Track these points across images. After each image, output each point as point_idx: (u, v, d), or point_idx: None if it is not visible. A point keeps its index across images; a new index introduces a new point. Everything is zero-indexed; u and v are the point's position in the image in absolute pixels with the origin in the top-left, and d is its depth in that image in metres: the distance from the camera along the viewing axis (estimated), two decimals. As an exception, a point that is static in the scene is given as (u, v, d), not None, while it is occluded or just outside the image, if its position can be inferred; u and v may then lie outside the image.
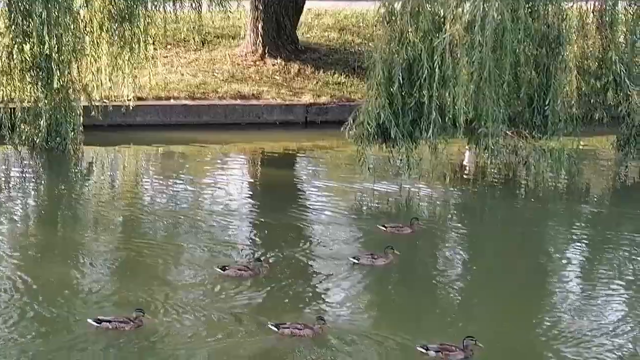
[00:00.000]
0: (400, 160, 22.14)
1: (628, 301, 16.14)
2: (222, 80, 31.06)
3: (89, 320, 13.61)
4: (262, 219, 20.23)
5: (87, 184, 23.36)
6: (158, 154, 27.46)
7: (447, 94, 21.15)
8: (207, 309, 14.51)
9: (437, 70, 20.79)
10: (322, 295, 15.84)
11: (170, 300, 14.80)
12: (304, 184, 24.13)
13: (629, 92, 24.02)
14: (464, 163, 26.21)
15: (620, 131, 24.79)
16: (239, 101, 30.49)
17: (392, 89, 21.31)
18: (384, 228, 19.29)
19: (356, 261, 17.07)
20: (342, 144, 25.34)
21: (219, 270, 15.97)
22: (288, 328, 13.20)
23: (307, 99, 30.78)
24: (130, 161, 26.83)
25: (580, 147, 25.85)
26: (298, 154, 28.26)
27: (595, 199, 23.63)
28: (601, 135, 26.48)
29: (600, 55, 24.52)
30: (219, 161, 27.07)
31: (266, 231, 19.30)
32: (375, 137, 21.85)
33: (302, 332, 13.11)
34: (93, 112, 25.90)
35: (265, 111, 30.37)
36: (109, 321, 13.54)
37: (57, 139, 23.86)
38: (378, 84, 21.39)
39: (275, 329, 13.25)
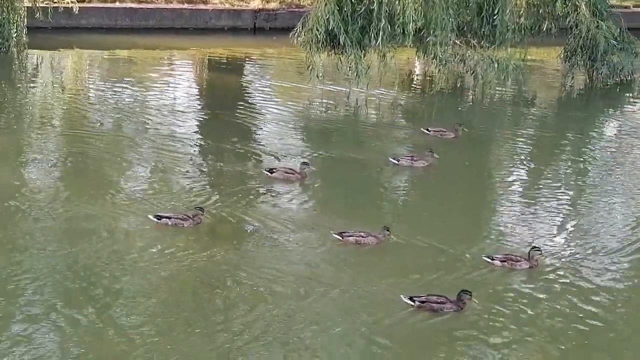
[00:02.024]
0: (349, 67, 22.02)
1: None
2: (168, -17, 30.50)
3: (150, 216, 13.42)
4: (207, 116, 20.23)
5: (31, 86, 22.93)
6: (103, 58, 27.03)
7: (396, 2, 21.03)
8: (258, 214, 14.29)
9: (387, -24, 20.63)
10: (374, 200, 15.66)
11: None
12: (252, 93, 23.92)
13: (577, 3, 24.13)
14: (414, 71, 26.27)
15: (567, 42, 24.98)
16: (186, 5, 30.06)
17: (341, -5, 21.12)
18: (427, 131, 19.21)
19: (396, 162, 17.05)
20: (292, 50, 25.19)
21: (267, 173, 15.85)
22: (352, 236, 13.28)
23: (255, 4, 30.44)
24: (75, 64, 26.36)
25: (528, 57, 26.05)
26: (246, 61, 28.00)
27: (541, 105, 23.86)
28: (549, 46, 26.64)
29: (551, -35, 24.54)
30: (165, 66, 26.76)
31: (208, 127, 19.16)
32: (324, 43, 21.71)
33: (366, 240, 13.06)
34: (37, 14, 25.35)
35: (213, 16, 30.01)
36: (169, 217, 13.53)
37: (0, 40, 23.36)
38: (328, -11, 21.14)
39: (339, 238, 13.20)
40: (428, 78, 25.07)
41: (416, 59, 25.09)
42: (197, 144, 18.13)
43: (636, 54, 25.29)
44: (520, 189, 16.47)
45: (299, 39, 22.00)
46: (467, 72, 23.58)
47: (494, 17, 22.79)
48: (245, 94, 23.38)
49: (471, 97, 23.88)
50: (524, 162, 18.03)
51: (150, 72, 25.35)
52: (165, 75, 25.16)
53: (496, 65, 22.83)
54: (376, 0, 20.96)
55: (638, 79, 25.95)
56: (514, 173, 17.43)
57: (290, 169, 15.92)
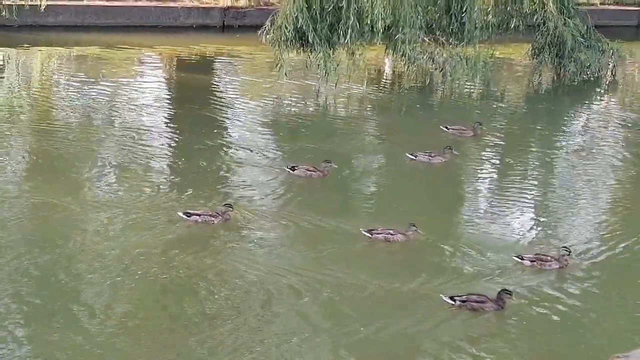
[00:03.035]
0: (318, 65, 22.01)
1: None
2: (138, -19, 30.34)
3: (179, 213, 13.39)
4: (177, 111, 20.18)
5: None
6: (71, 56, 26.83)
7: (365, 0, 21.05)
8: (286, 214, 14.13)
9: (355, -26, 20.65)
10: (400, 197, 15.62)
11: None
12: (222, 90, 23.86)
13: (544, 1, 24.32)
14: (383, 69, 26.32)
15: (535, 39, 25.14)
16: (155, 3, 29.93)
17: (310, -7, 21.10)
18: (446, 129, 19.19)
19: (413, 157, 17.10)
20: (261, 48, 25.13)
21: (289, 170, 15.85)
22: (381, 234, 13.26)
23: (224, 2, 30.35)
24: (42, 62, 26.12)
25: (496, 54, 26.21)
26: (215, 58, 27.93)
27: (510, 101, 23.98)
28: (517, 43, 26.80)
29: (518, -37, 24.69)
30: (134, 64, 26.60)
31: (179, 122, 19.10)
32: (293, 41, 21.65)
33: (395, 238, 13.08)
34: (3, 12, 25.15)
35: (182, 14, 29.90)
36: (199, 215, 13.45)
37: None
38: (296, -13, 21.12)
39: (369, 235, 13.20)
40: (397, 75, 25.14)
41: (385, 56, 25.12)
42: (167, 138, 18.13)
43: (603, 52, 25.51)
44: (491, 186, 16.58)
45: (267, 36, 21.94)
46: (435, 69, 23.63)
47: (462, 15, 22.90)
48: (215, 91, 23.33)
49: (440, 94, 23.95)
50: (493, 157, 18.12)
51: (119, 69, 25.21)
52: (134, 73, 25.05)
53: (465, 63, 22.92)
54: (345, -2, 20.99)
55: (604, 76, 26.18)
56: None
57: (313, 167, 15.91)
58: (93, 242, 12.44)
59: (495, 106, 22.90)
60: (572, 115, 23.12)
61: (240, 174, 16.03)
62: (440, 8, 23.17)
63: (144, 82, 23.73)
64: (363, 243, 12.99)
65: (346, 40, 21.40)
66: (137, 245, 12.42)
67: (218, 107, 21.14)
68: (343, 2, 21.02)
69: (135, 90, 22.54)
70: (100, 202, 14.04)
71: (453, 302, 11.04)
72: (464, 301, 11.07)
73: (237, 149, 17.52)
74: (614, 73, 26.55)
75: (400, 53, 22.52)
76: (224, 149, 17.52)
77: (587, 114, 23.23)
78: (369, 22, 21.18)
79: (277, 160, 16.95)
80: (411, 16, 21.60)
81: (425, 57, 23.07)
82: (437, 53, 23.09)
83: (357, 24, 21.16)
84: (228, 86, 24.44)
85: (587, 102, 24.65)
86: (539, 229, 14.22)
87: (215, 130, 18.87)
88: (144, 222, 13.25)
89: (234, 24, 30.04)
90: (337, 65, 22.10)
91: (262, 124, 19.97)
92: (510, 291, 11.17)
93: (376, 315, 10.85)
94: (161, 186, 15.04)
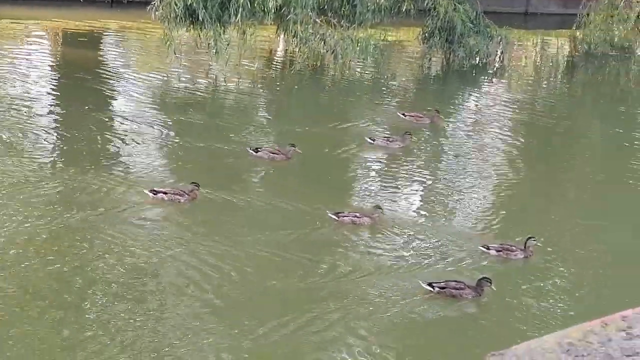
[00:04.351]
0: (208, 44, 21.63)
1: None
2: (22, -49, 29.22)
3: (145, 191, 13.19)
4: (63, 86, 19.51)
5: None
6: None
7: (257, -22, 20.77)
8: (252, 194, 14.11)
9: (247, -48, 20.32)
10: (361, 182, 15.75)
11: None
12: (110, 66, 23.21)
13: (435, -15, 24.48)
14: (276, 50, 26.09)
15: (425, 24, 25.30)
16: (40, -25, 28.90)
17: (201, -30, 20.65)
18: (403, 115, 19.04)
19: (372, 142, 16.98)
20: (151, 25, 24.58)
21: (252, 151, 15.56)
22: (347, 217, 13.09)
23: (114, -24, 29.56)
24: None
25: (388, 38, 26.29)
26: (104, 35, 27.18)
27: (399, 86, 24.05)
28: (408, 26, 26.94)
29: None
30: (18, 39, 25.66)
31: (65, 95, 18.55)
32: (183, 19, 21.15)
33: (361, 220, 13.05)
34: None
35: (69, -13, 28.97)
36: (165, 192, 13.12)
37: None
38: (187, -37, 20.65)
39: (335, 218, 13.04)
40: (289, 56, 24.94)
41: (277, 37, 24.91)
42: (53, 110, 17.83)
43: (492, 37, 25.86)
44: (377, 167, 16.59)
45: (156, 13, 21.40)
46: (327, 51, 23.50)
47: (355, -3, 22.87)
48: (103, 67, 22.65)
49: (331, 75, 23.86)
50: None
51: (1, 42, 24.26)
52: (18, 48, 24.13)
53: (356, 45, 22.87)
54: (236, -23, 20.64)
55: (493, 61, 26.57)
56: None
57: (277, 149, 15.71)
58: None
59: (385, 91, 22.94)
60: (461, 100, 23.37)
61: (134, 148, 15.70)
62: (333, -11, 23.06)
63: (29, 57, 22.87)
64: (330, 226, 12.96)
65: (237, 19, 21.06)
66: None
67: (105, 82, 20.63)
68: (234, -19, 20.67)
69: (19, 65, 21.71)
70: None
71: (432, 289, 11.00)
72: (442, 288, 11.05)
73: (124, 121, 17.36)
74: (502, 58, 26.99)
75: (292, 34, 22.33)
76: (115, 122, 17.30)
77: (475, 99, 23.53)
78: (260, 1, 20.89)
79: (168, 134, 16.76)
80: (303, -4, 21.43)
81: (316, 38, 22.91)
82: (329, 35, 22.96)
83: (248, 3, 20.84)
84: (117, 62, 23.87)
85: (475, 86, 24.98)
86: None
87: (102, 104, 18.54)
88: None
89: (123, -1, 29.28)
90: (228, 44, 21.77)
91: (149, 98, 19.70)
92: (489, 279, 11.15)
93: (349, 296, 10.86)
94: (43, 160, 14.63)
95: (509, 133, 19.50)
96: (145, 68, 22.91)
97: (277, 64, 25.17)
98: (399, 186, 15.55)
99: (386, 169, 16.36)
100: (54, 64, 23.00)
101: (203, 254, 11.63)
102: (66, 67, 22.59)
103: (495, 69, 26.61)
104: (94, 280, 10.78)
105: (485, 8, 26.69)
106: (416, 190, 15.47)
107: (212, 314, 10.21)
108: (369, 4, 23.26)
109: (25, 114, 17.16)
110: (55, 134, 16.41)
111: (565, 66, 29.22)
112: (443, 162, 17.23)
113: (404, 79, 25.23)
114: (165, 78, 21.85)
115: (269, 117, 19.92)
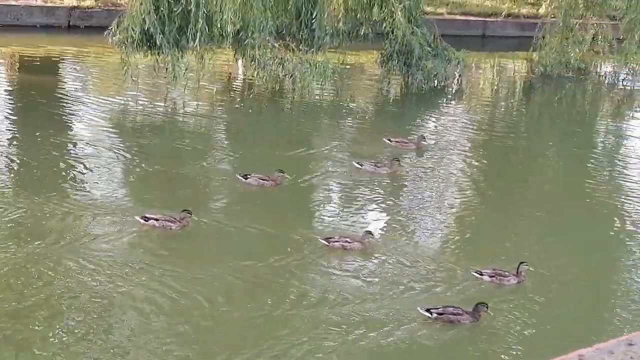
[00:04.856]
0: (166, 69, 21.55)
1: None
2: (-23, -23, 28.98)
3: (137, 218, 13.06)
4: (19, 112, 19.29)
5: None
6: None
7: (214, 2, 20.71)
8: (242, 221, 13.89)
9: (204, -24, 20.27)
10: (355, 207, 15.60)
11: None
12: (68, 90, 22.99)
13: (393, 9, 24.60)
14: (235, 74, 26.04)
15: (384, 47, 25.42)
16: (-5, 1, 28.67)
17: (158, -6, 20.55)
18: (388, 141, 19.04)
19: (359, 166, 16.99)
20: (108, 50, 24.44)
21: (241, 178, 15.49)
22: (338, 242, 13.01)
23: (70, 1, 29.38)
24: None
25: (347, 61, 26.36)
26: (61, 61, 26.97)
27: (358, 110, 24.08)
28: (366, 50, 27.05)
29: (367, -29, 24.90)
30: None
31: (21, 122, 18.36)
32: (140, 44, 21.03)
33: (352, 246, 13.01)
34: None
35: (25, 12, 28.74)
36: (157, 219, 13.00)
37: None
38: (144, -12, 20.55)
39: (326, 243, 13.00)
40: (247, 81, 24.92)
41: (235, 61, 24.87)
42: (11, 136, 17.71)
43: (449, 61, 26.04)
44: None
45: (114, 38, 21.28)
46: (285, 75, 23.51)
47: (312, 21, 22.94)
48: (60, 92, 22.42)
49: (290, 100, 23.85)
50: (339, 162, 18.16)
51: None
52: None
53: (314, 69, 22.90)
54: (194, 1, 20.56)
55: (450, 85, 26.74)
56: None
57: (266, 176, 15.65)
58: None
59: (344, 115, 22.97)
60: (419, 123, 23.44)
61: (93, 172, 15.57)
62: (291, 14, 23.10)
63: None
64: (320, 251, 12.96)
65: (195, 44, 20.99)
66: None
67: (63, 108, 20.49)
68: (192, 5, 20.56)
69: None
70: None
71: (430, 315, 11.02)
72: (440, 314, 11.07)
73: (82, 145, 17.40)
74: (460, 81, 27.19)
75: (250, 58, 22.31)
76: (70, 146, 17.29)
77: (434, 121, 23.62)
78: (218, 25, 20.84)
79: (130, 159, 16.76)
80: (261, 21, 21.42)
81: (275, 62, 22.91)
82: (287, 59, 22.98)
83: (207, 27, 20.77)
84: (74, 86, 23.70)
85: (433, 109, 25.08)
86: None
87: (60, 129, 18.47)
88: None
89: (80, 24, 29.10)
90: (186, 68, 21.70)
91: (109, 123, 19.65)
92: (486, 304, 11.21)
93: (345, 323, 10.82)
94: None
95: (469, 154, 19.63)
96: (103, 92, 22.76)
97: (236, 87, 25.12)
98: (387, 211, 15.55)
99: (374, 194, 16.33)
100: (10, 89, 22.74)
101: (178, 282, 11.54)
102: (23, 92, 22.31)
103: (453, 91, 26.79)
104: (58, 313, 10.59)
105: (442, 31, 26.88)
106: (399, 215, 15.42)
107: (183, 345, 10.12)
108: (327, 28, 23.34)
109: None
110: (15, 160, 16.19)
111: (522, 87, 29.54)
112: (427, 187, 17.26)
113: (363, 102, 25.29)
114: (123, 103, 21.73)
115: (230, 141, 19.86)
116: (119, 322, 10.53)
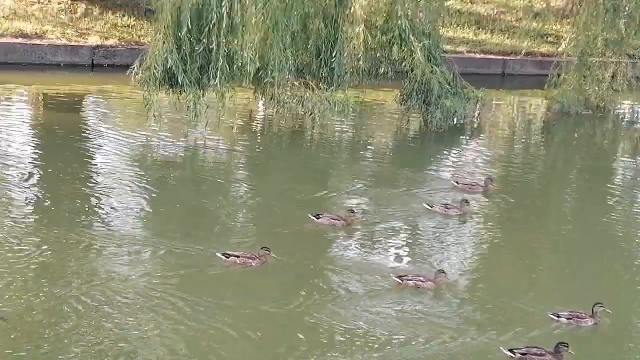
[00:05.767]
0: (188, 107, 21.82)
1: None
2: (3, 17, 29.51)
3: (217, 254, 13.54)
4: (43, 162, 19.60)
5: None
6: None
7: (235, 42, 21.00)
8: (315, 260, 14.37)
9: (225, 16, 20.52)
10: (427, 247, 15.89)
11: None
12: (91, 127, 23.28)
13: (412, 48, 24.83)
14: (255, 112, 26.29)
15: (403, 85, 25.60)
16: (20, 40, 29.11)
17: (180, 34, 20.78)
18: (456, 183, 19.44)
19: (430, 208, 17.32)
20: (131, 89, 24.76)
21: (313, 217, 15.87)
22: (411, 280, 13.18)
23: (94, 40, 29.82)
24: None
25: (366, 100, 26.58)
26: (84, 98, 27.32)
27: (379, 147, 24.25)
28: (386, 88, 27.25)
29: (387, 10, 25.16)
30: (-3, 102, 25.77)
31: (42, 172, 18.66)
32: (162, 82, 21.32)
33: (425, 285, 13.22)
34: None
35: (50, 52, 29.16)
36: (237, 256, 13.47)
37: None
38: (166, 27, 20.84)
39: (399, 281, 13.24)
40: (267, 119, 25.15)
41: (255, 100, 25.15)
42: (36, 171, 18.11)
43: (468, 99, 26.19)
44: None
45: (136, 76, 21.60)
46: (305, 113, 23.76)
47: (332, 60, 23.19)
48: (84, 128, 22.78)
49: (309, 138, 24.06)
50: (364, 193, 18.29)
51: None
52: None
53: (334, 107, 23.12)
54: (215, 40, 20.85)
55: (469, 122, 26.87)
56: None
57: (337, 215, 16.04)
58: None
59: (363, 152, 23.14)
60: (439, 161, 23.55)
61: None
62: (311, 53, 23.36)
63: (8, 120, 22.98)
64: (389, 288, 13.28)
65: (216, 82, 21.25)
66: None
67: (88, 142, 20.95)
68: (213, 44, 20.87)
69: (0, 125, 21.92)
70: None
71: (512, 355, 11.19)
72: (523, 354, 11.27)
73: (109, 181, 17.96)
74: (478, 119, 27.31)
75: (270, 96, 22.57)
76: (99, 180, 17.91)
77: (454, 159, 23.71)
78: (238, 64, 21.12)
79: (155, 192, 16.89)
80: (280, 60, 21.69)
81: (294, 100, 23.15)
82: (307, 97, 23.21)
83: (227, 66, 21.04)
84: (97, 123, 24.01)
85: (452, 147, 25.19)
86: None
87: (86, 164, 19.06)
88: None
89: (103, 62, 29.49)
90: (207, 107, 21.95)
91: (131, 159, 20.14)
92: (567, 344, 11.41)
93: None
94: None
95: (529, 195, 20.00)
96: (125, 129, 23.06)
97: (256, 126, 25.36)
98: (459, 252, 15.79)
99: (446, 234, 16.62)
100: (35, 126, 23.08)
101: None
102: (47, 129, 22.66)
103: (472, 129, 26.89)
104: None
105: (462, 69, 27.07)
106: (472, 255, 15.72)
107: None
108: (346, 67, 23.57)
109: (8, 174, 17.31)
110: (40, 195, 16.55)
111: (542, 125, 29.61)
112: (495, 228, 17.52)
113: (382, 141, 25.44)
114: (146, 139, 22.01)
115: (254, 176, 20.10)
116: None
